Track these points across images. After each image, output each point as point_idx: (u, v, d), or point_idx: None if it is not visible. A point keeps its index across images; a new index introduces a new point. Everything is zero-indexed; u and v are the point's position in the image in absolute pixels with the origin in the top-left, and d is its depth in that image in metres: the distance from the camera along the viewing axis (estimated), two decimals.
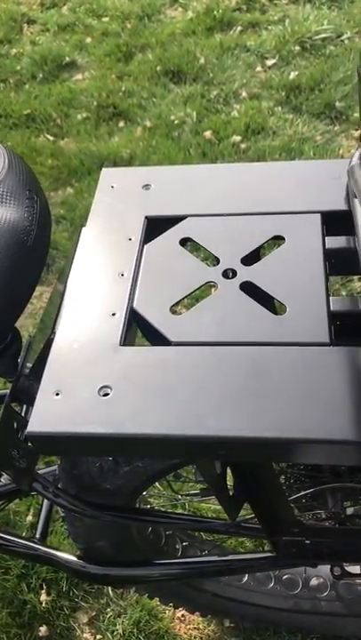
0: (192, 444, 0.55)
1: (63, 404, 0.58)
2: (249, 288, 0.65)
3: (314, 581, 1.24)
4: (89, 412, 0.57)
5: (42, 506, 1.12)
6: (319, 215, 0.69)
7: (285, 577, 1.24)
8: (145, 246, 0.70)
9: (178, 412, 0.56)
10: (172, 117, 2.38)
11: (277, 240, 0.69)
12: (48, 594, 1.36)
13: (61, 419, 0.57)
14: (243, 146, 2.24)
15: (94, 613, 1.36)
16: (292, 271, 0.65)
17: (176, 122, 2.36)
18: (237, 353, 0.59)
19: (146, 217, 0.72)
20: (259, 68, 2.55)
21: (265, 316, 0.62)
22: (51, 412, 0.57)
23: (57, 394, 0.58)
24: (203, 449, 0.56)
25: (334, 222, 0.69)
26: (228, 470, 0.76)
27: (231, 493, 0.78)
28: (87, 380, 0.59)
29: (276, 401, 0.55)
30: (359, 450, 0.53)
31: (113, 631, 1.33)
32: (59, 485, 0.89)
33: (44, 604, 1.35)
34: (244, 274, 0.66)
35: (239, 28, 2.73)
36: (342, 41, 2.59)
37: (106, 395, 0.58)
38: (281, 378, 0.57)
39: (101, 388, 0.58)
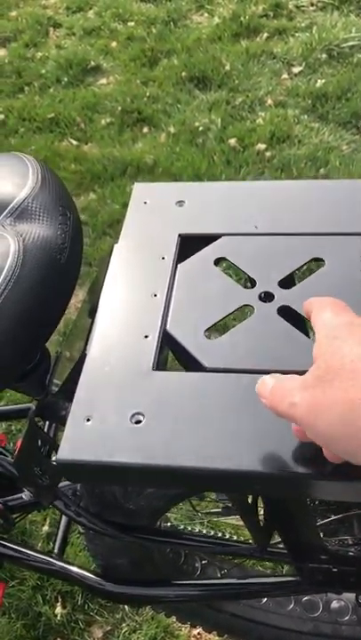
0: (225, 479, 0.53)
1: (94, 430, 0.56)
2: (287, 313, 0.62)
3: (335, 604, 1.21)
4: (120, 440, 0.55)
5: (60, 520, 1.10)
6: (360, 237, 0.67)
7: (305, 599, 1.21)
8: (178, 265, 0.68)
9: (211, 444, 0.54)
10: (197, 124, 2.36)
11: (316, 262, 0.67)
12: (63, 607, 1.34)
13: (92, 446, 0.55)
14: (268, 154, 2.21)
15: (109, 628, 1.34)
16: (331, 295, 0.63)
17: (200, 128, 2.34)
18: None
19: (179, 235, 0.70)
20: (285, 76, 2.53)
21: (304, 342, 0.60)
22: (81, 439, 0.55)
23: (88, 419, 0.56)
24: (236, 484, 0.54)
25: None
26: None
27: (261, 520, 0.76)
28: (119, 406, 0.57)
29: None
30: None
31: None
32: (80, 504, 0.88)
33: (58, 617, 1.33)
34: (282, 297, 0.63)
35: (266, 35, 2.70)
36: None
37: (138, 422, 0.56)
38: None
39: (133, 414, 0.56)
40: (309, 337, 0.61)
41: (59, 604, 1.34)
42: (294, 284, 0.65)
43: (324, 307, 0.51)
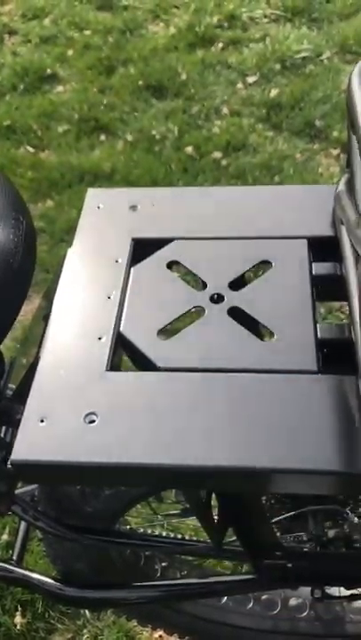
0: (179, 474, 0.55)
1: (48, 431, 0.56)
2: (237, 313, 0.64)
3: (293, 602, 1.23)
4: (75, 439, 0.56)
5: (19, 527, 1.10)
6: (306, 241, 0.69)
7: (264, 597, 1.23)
8: (132, 269, 0.69)
9: (165, 441, 0.55)
10: (154, 132, 2.38)
11: (265, 265, 0.69)
12: (23, 616, 1.33)
13: (46, 447, 0.55)
14: (224, 162, 2.25)
15: (70, 635, 1.33)
16: (279, 297, 0.65)
17: (157, 136, 2.37)
18: (225, 380, 0.59)
19: (133, 238, 0.72)
20: (240, 85, 2.58)
21: (253, 342, 0.62)
22: (35, 440, 0.56)
23: (42, 420, 0.57)
24: (190, 479, 0.56)
25: (321, 248, 0.69)
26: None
27: (216, 518, 0.77)
28: (73, 407, 0.58)
29: (264, 430, 0.55)
30: (345, 480, 0.53)
31: None
32: (38, 508, 0.88)
33: (18, 627, 1.32)
34: (232, 299, 0.66)
35: (221, 45, 2.75)
36: (322, 60, 2.63)
37: (92, 422, 0.57)
38: (269, 406, 0.56)
39: (87, 414, 0.57)
40: (257, 336, 0.63)
41: (18, 612, 1.33)
42: (244, 286, 0.67)
43: None
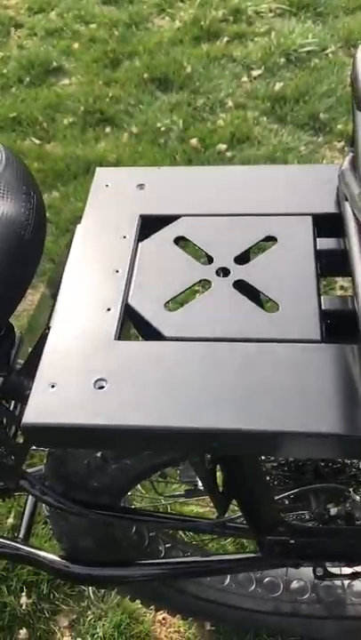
0: (185, 437, 0.56)
1: (58, 396, 0.58)
2: (242, 286, 0.66)
3: (295, 584, 1.25)
4: (84, 403, 0.57)
5: (25, 506, 1.12)
6: (311, 217, 0.71)
7: (267, 580, 1.24)
8: (139, 244, 0.71)
9: (171, 405, 0.57)
10: (159, 124, 2.39)
11: (270, 241, 0.71)
12: (28, 596, 1.35)
13: (56, 410, 0.57)
14: (228, 154, 2.26)
15: (75, 616, 1.35)
16: (284, 271, 0.67)
17: (162, 129, 2.38)
18: (230, 349, 0.60)
19: (140, 215, 0.73)
20: (245, 79, 2.59)
21: (258, 313, 0.63)
22: (46, 404, 0.58)
23: (52, 386, 0.59)
24: (196, 442, 0.57)
25: (325, 224, 0.70)
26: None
27: (220, 490, 0.79)
28: (82, 373, 0.59)
29: (268, 395, 0.56)
30: (346, 443, 0.55)
31: (93, 634, 1.32)
32: (45, 483, 0.89)
33: (23, 607, 1.34)
34: (238, 272, 0.67)
35: (226, 39, 2.76)
36: (327, 54, 2.64)
37: (101, 387, 0.58)
38: (273, 373, 0.58)
39: (97, 380, 0.59)
40: (262, 308, 0.64)
41: (24, 593, 1.35)
42: (249, 261, 0.69)
43: None
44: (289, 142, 2.29)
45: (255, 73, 2.60)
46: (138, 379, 0.59)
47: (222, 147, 2.28)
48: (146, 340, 0.65)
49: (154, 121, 2.42)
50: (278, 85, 2.51)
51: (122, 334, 0.63)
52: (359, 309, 0.57)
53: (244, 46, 2.73)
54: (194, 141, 2.31)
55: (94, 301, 0.65)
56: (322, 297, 0.63)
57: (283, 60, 2.63)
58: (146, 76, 2.61)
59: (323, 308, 0.62)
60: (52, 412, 0.57)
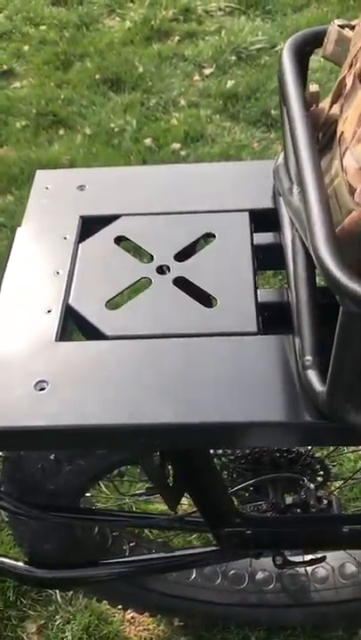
0: (128, 434, 0.57)
1: (0, 399, 0.58)
2: (182, 283, 0.67)
3: (260, 575, 1.27)
4: (25, 406, 0.57)
5: None
6: (248, 213, 0.72)
7: (232, 572, 1.26)
8: (80, 245, 0.71)
9: (114, 404, 0.57)
10: (112, 125, 2.39)
11: (209, 237, 0.72)
12: None
13: None
14: (183, 153, 2.27)
15: (43, 622, 1.34)
16: (222, 266, 0.68)
17: (116, 129, 2.38)
18: (171, 345, 0.61)
19: (81, 216, 0.74)
20: (196, 77, 2.60)
21: (197, 308, 0.64)
22: None
23: None
24: (138, 438, 0.58)
25: (262, 219, 0.72)
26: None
27: (171, 485, 0.80)
28: (23, 376, 0.60)
29: (209, 388, 0.57)
30: (287, 430, 0.56)
31: (62, 638, 1.32)
32: (1, 488, 0.89)
33: None
34: (177, 270, 0.68)
35: (177, 38, 2.77)
36: (276, 51, 2.67)
37: (42, 389, 0.59)
38: (213, 366, 0.59)
39: (37, 382, 0.59)
40: (202, 304, 0.65)
41: None
42: (189, 258, 0.70)
43: None
44: (242, 139, 2.31)
45: (207, 71, 2.62)
46: (79, 379, 0.59)
47: (176, 146, 2.29)
48: (88, 339, 0.65)
49: (107, 122, 2.41)
50: (230, 83, 2.53)
51: (63, 335, 0.64)
52: (293, 301, 0.59)
53: (195, 45, 2.74)
54: (148, 141, 2.32)
55: (35, 303, 0.66)
56: (258, 290, 0.65)
57: (234, 57, 2.65)
58: (98, 76, 2.60)
59: (259, 300, 0.64)
60: None
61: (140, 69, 2.62)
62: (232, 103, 2.45)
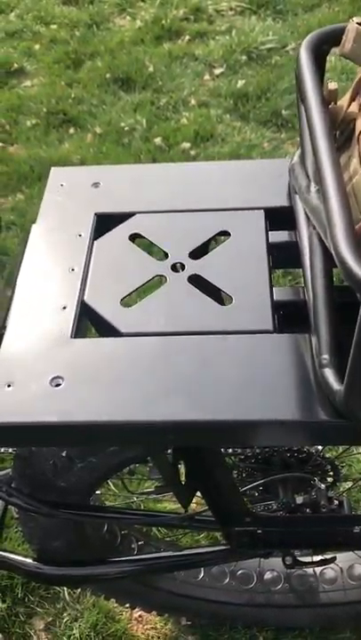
0: (142, 430, 0.57)
1: (15, 395, 0.58)
2: (197, 281, 0.67)
3: (268, 575, 1.26)
4: (41, 402, 0.57)
5: None
6: (263, 211, 0.72)
7: (240, 572, 1.26)
8: (95, 242, 0.71)
9: (128, 400, 0.57)
10: (122, 124, 2.39)
11: (223, 235, 0.72)
12: (3, 601, 1.34)
13: (13, 409, 0.57)
14: (192, 152, 2.27)
15: (50, 619, 1.34)
16: (237, 264, 0.68)
17: (126, 129, 2.38)
18: (186, 342, 0.61)
19: (95, 214, 0.74)
20: (207, 77, 2.60)
21: (212, 306, 0.64)
22: (3, 404, 0.58)
23: (9, 385, 0.59)
24: (152, 434, 0.58)
25: (277, 218, 0.72)
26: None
27: (183, 483, 0.79)
28: (39, 372, 0.60)
29: (223, 386, 0.57)
30: (302, 429, 0.56)
31: (70, 635, 1.32)
32: (12, 485, 0.89)
33: None
34: (192, 267, 0.68)
35: (187, 38, 2.77)
36: (287, 51, 2.67)
37: (58, 385, 0.59)
38: (227, 364, 0.59)
39: (53, 378, 0.59)
40: (217, 302, 0.65)
41: None
42: (203, 255, 0.70)
43: None
44: (252, 139, 2.31)
45: (217, 71, 2.62)
46: (94, 375, 0.59)
47: (186, 145, 2.29)
48: (103, 336, 0.65)
49: (117, 121, 2.42)
50: (240, 83, 2.53)
51: (78, 332, 0.64)
52: (309, 299, 0.58)
53: (205, 45, 2.74)
54: (158, 140, 2.31)
55: (50, 300, 0.66)
56: (274, 288, 0.64)
57: (244, 57, 2.64)
58: (108, 76, 2.61)
59: (275, 299, 0.63)
60: (8, 412, 0.57)
61: (151, 69, 2.62)
62: (242, 103, 2.45)
